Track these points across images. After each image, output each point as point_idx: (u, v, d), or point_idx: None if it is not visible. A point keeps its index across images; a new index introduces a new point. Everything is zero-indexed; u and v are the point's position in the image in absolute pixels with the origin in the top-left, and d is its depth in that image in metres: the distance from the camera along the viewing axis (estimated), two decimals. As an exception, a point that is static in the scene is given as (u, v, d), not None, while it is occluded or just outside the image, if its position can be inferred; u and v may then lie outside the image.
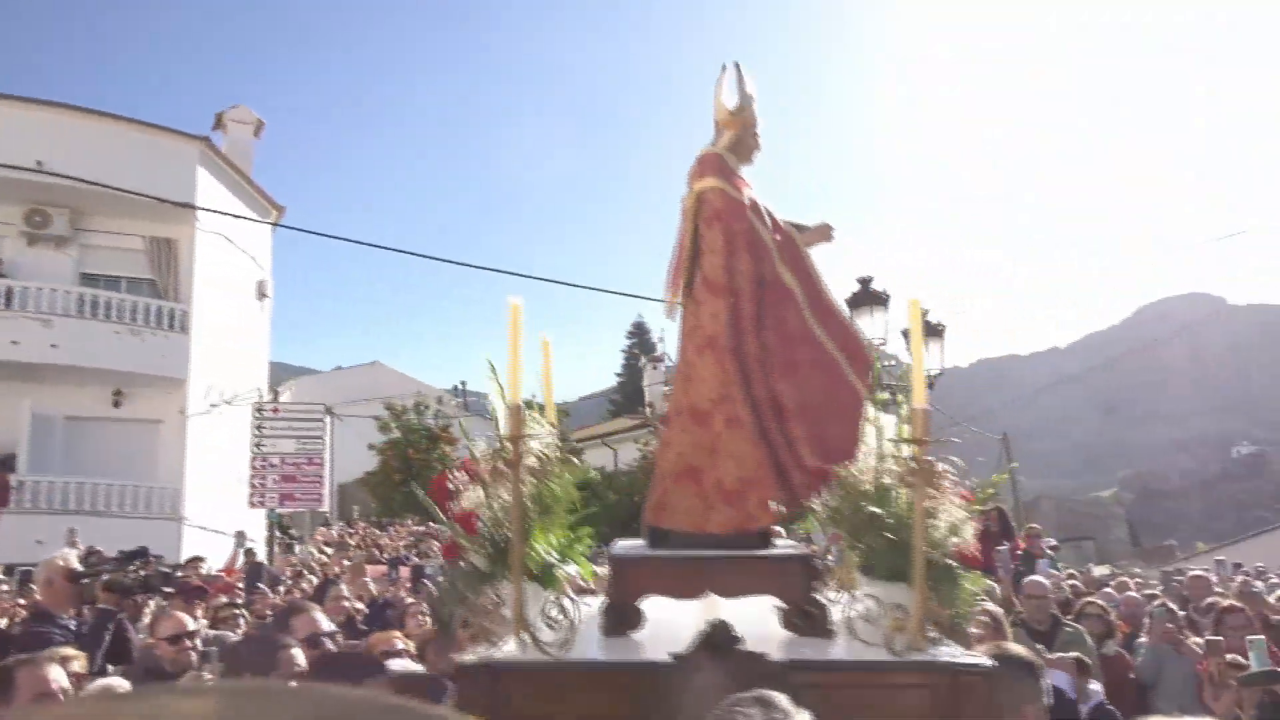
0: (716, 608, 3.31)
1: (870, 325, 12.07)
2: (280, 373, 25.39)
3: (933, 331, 12.37)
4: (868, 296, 12.03)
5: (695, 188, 3.80)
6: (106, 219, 20.47)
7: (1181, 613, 7.88)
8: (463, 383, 58.48)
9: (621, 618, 3.27)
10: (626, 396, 49.93)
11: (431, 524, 26.61)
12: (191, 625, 5.13)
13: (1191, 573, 10.48)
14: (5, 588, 8.38)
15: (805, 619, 3.16)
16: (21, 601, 8.43)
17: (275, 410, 20.80)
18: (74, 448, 19.61)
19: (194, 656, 4.63)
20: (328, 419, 22.30)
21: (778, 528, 4.21)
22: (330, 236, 58.97)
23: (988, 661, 2.86)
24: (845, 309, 4.13)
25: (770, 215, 3.88)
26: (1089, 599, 7.62)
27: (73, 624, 5.30)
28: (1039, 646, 6.18)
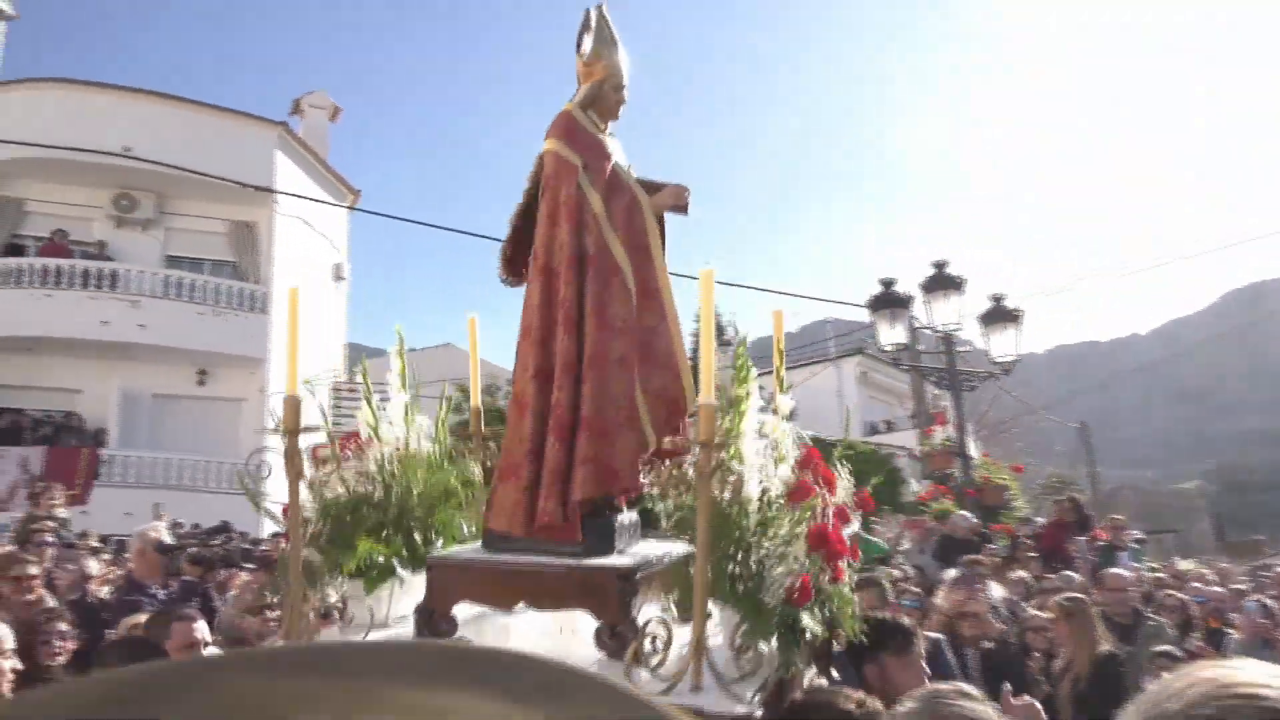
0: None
1: (944, 310, 11.87)
2: (356, 354, 25.83)
3: (1008, 317, 12.11)
4: (942, 281, 11.84)
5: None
6: (190, 202, 20.99)
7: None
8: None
9: (430, 625, 3.05)
10: (697, 382, 49.98)
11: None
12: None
13: (1277, 568, 10.14)
14: (106, 556, 8.70)
15: (616, 639, 2.79)
16: (117, 570, 8.72)
17: (352, 390, 21.18)
18: (161, 424, 20.22)
19: (275, 626, 4.76)
20: (402, 399, 22.61)
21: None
22: (404, 220, 60.14)
23: (755, 713, 2.46)
24: (669, 294, 3.52)
25: (618, 174, 3.46)
26: (1169, 591, 7.43)
27: (161, 593, 5.48)
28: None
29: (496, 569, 3.09)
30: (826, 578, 2.84)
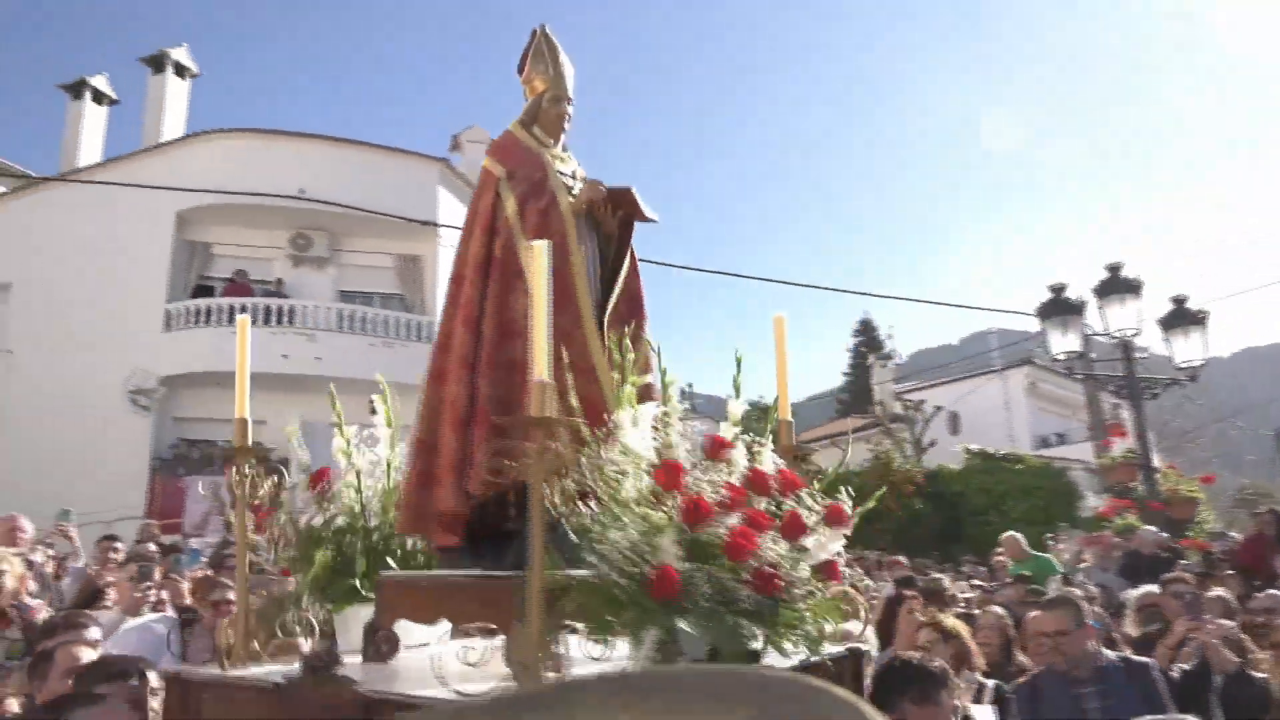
0: None
1: (1120, 314, 11.30)
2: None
3: (1192, 320, 11.43)
4: (1118, 284, 11.27)
5: None
6: (360, 239, 22.01)
7: None
8: (689, 385, 59.11)
9: (372, 642, 2.98)
10: (854, 395, 49.03)
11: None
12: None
13: None
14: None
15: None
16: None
17: (514, 415, 21.74)
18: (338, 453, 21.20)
19: None
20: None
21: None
22: (560, 246, 61.04)
23: None
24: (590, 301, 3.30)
25: (544, 181, 3.35)
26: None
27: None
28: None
29: (428, 584, 3.00)
30: (739, 583, 2.40)
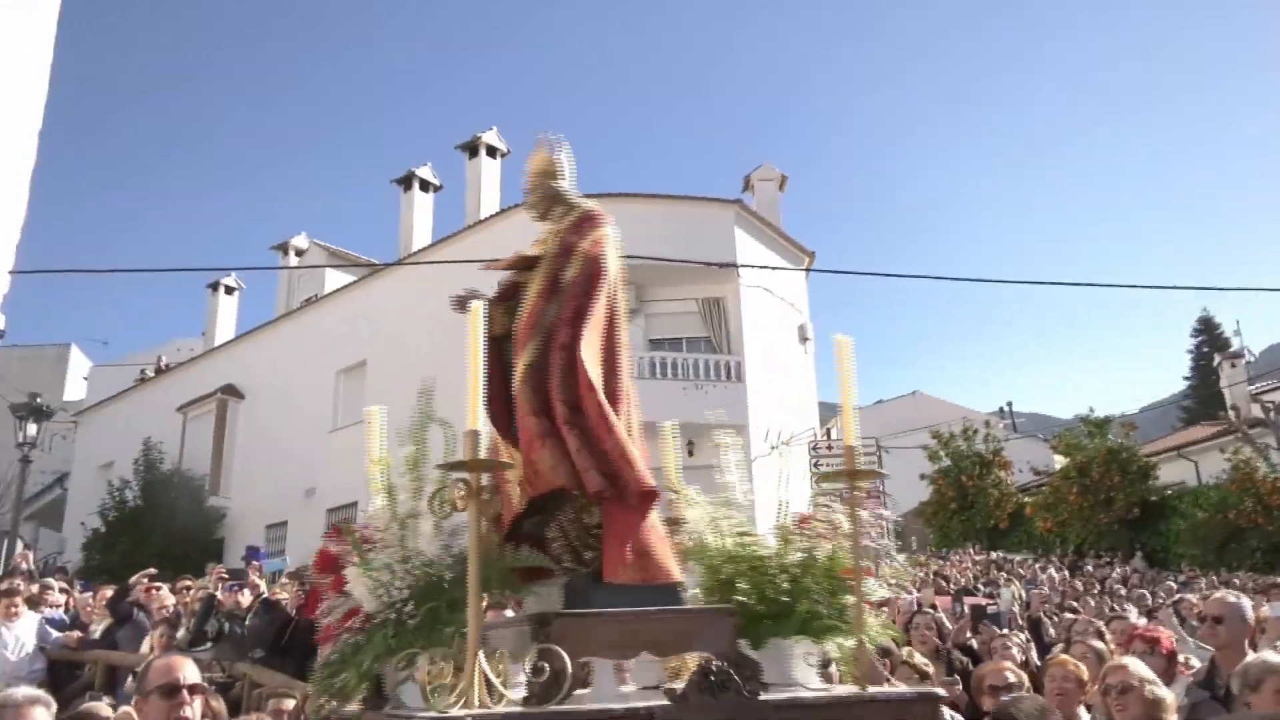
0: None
1: None
2: (826, 411, 26.31)
3: None
4: None
5: None
6: (665, 288, 22.80)
7: None
8: (1009, 404, 55.87)
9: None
10: (1199, 401, 44.29)
11: (994, 553, 25.58)
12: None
13: None
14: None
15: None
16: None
17: (829, 447, 21.56)
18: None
19: None
20: (879, 452, 22.62)
21: None
22: (860, 274, 60.43)
23: None
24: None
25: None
26: None
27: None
28: None
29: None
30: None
